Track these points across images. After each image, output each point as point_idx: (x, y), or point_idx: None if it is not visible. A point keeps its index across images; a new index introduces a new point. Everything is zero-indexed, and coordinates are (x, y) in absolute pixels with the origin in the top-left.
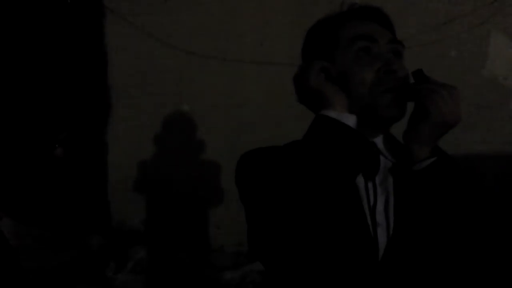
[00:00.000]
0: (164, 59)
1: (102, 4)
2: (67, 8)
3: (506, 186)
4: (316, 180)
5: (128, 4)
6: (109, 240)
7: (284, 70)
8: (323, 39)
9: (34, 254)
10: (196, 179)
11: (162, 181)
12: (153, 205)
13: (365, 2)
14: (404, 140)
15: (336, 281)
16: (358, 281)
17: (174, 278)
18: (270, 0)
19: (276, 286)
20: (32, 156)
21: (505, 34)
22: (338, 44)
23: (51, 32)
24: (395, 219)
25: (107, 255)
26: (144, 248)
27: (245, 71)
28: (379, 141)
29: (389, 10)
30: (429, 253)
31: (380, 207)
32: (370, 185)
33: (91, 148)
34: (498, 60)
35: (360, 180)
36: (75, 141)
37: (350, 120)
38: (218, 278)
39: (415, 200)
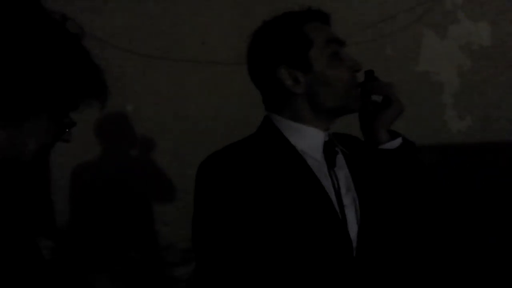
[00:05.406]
0: (106, 59)
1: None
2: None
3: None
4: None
5: (69, 4)
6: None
7: (226, 69)
8: (292, 39)
9: None
10: (143, 178)
11: (109, 181)
12: (100, 205)
13: (308, 4)
14: (369, 127)
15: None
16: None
17: (126, 277)
18: (211, 0)
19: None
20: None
21: (436, 32)
22: (313, 45)
23: None
24: (359, 198)
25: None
26: (94, 248)
27: (187, 71)
28: (330, 131)
29: (327, 8)
30: (395, 227)
31: (343, 189)
32: (332, 171)
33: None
34: (430, 57)
35: (324, 169)
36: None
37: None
38: (169, 274)
39: (386, 174)
